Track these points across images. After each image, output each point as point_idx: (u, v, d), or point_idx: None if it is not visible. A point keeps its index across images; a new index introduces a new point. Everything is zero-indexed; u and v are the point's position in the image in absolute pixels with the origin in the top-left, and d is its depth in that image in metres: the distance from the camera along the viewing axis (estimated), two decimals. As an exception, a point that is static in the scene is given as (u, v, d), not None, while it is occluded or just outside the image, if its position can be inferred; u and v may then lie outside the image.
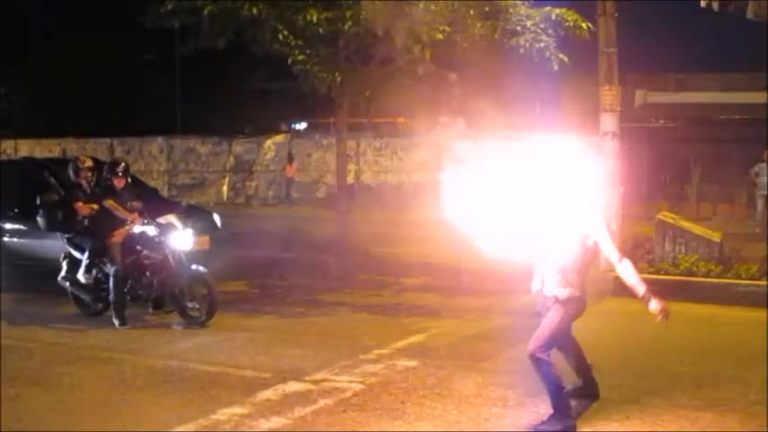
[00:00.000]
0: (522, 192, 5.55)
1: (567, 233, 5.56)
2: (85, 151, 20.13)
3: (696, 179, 21.95)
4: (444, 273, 11.45)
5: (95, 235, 9.12)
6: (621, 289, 5.79)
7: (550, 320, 5.61)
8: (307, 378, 6.81)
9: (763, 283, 10.12)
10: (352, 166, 24.08)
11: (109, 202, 9.06)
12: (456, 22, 11.31)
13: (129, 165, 9.60)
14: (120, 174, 9.23)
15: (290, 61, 12.20)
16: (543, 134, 5.58)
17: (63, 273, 9.35)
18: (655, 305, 5.48)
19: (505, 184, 5.55)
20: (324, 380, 6.80)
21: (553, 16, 11.64)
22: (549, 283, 5.63)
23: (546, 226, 5.61)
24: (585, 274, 5.68)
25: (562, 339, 5.76)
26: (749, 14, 8.88)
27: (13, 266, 10.43)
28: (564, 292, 5.58)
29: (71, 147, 28.33)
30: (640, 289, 5.51)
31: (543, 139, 5.57)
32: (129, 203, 9.18)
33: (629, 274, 5.54)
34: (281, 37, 11.87)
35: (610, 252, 5.60)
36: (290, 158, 27.35)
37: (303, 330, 8.84)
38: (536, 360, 5.53)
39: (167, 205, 11.41)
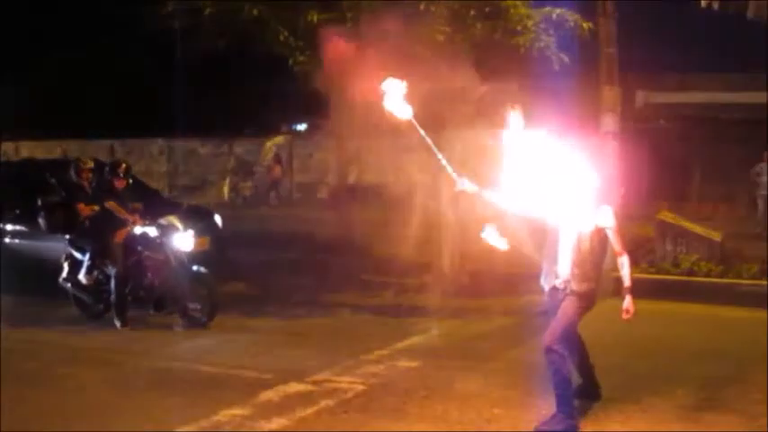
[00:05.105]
0: (540, 184, 5.60)
1: (583, 225, 5.60)
2: (86, 153, 20.13)
3: (697, 179, 21.94)
4: (445, 273, 11.44)
5: (96, 236, 9.12)
6: (621, 289, 5.81)
7: (565, 313, 5.64)
8: (308, 379, 6.81)
9: (764, 282, 10.12)
10: (353, 167, 24.03)
11: (110, 204, 9.06)
12: (456, 22, 11.30)
13: (130, 166, 9.60)
14: (122, 175, 9.23)
15: (290, 62, 12.20)
16: (548, 133, 5.61)
17: (64, 274, 9.35)
18: (626, 303, 5.72)
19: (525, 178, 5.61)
20: (325, 380, 6.80)
21: (554, 16, 11.63)
22: (566, 278, 5.65)
23: (562, 219, 5.66)
24: (601, 266, 5.73)
25: (573, 334, 5.78)
26: (749, 14, 8.88)
27: (14, 268, 10.42)
28: (583, 286, 5.63)
29: (72, 148, 28.29)
30: (625, 282, 5.75)
31: (549, 137, 5.60)
32: (130, 205, 9.19)
33: (623, 266, 5.78)
34: (281, 38, 11.87)
35: (615, 242, 5.72)
36: (277, 159, 27.42)
37: (304, 331, 8.84)
38: (552, 353, 5.54)
39: (168, 206, 11.41)
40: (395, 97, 5.80)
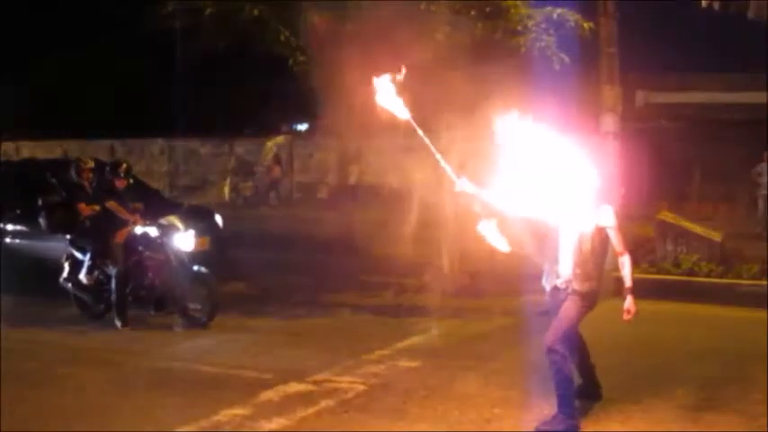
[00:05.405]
0: (540, 185, 5.61)
1: (584, 225, 5.60)
2: (87, 153, 20.16)
3: (697, 179, 21.94)
4: (445, 273, 11.45)
5: (97, 236, 9.12)
6: (623, 289, 5.82)
7: (567, 313, 5.64)
8: (308, 379, 6.81)
9: (764, 283, 10.12)
10: (353, 167, 24.04)
11: (111, 204, 9.06)
12: (457, 22, 11.30)
13: (130, 166, 9.60)
14: (122, 175, 9.23)
15: (290, 62, 12.21)
16: (548, 133, 5.61)
17: (65, 274, 9.35)
18: (627, 303, 5.73)
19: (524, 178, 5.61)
20: (325, 380, 6.80)
21: (554, 16, 11.63)
22: (568, 278, 5.65)
23: (562, 219, 5.67)
24: (603, 266, 5.73)
25: (574, 334, 5.79)
26: (750, 14, 8.88)
27: (14, 268, 10.42)
28: (585, 286, 5.63)
29: (72, 148, 28.30)
30: (627, 283, 5.75)
31: (550, 137, 5.60)
32: (130, 204, 9.19)
33: (624, 266, 5.77)
34: (281, 38, 11.88)
35: (616, 242, 5.73)
36: (277, 160, 27.45)
37: (304, 331, 8.84)
38: (553, 353, 5.53)
39: (169, 206, 11.42)
40: (392, 96, 5.80)
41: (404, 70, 5.85)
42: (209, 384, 6.79)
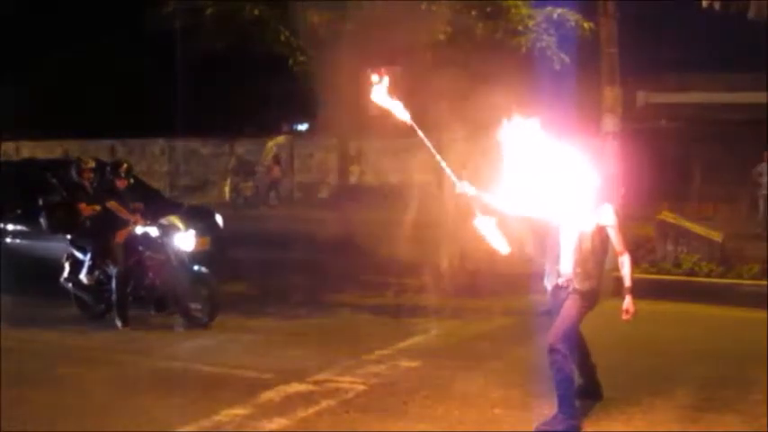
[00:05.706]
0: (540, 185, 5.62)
1: (585, 224, 5.60)
2: (87, 153, 20.14)
3: (697, 179, 21.94)
4: (445, 273, 11.45)
5: (98, 236, 9.11)
6: (622, 289, 5.82)
7: (568, 312, 5.64)
8: (309, 379, 6.81)
9: (764, 283, 10.12)
10: (354, 167, 24.06)
11: (111, 203, 9.06)
12: (458, 22, 11.32)
13: (131, 166, 9.59)
14: (123, 175, 9.23)
15: (290, 62, 12.21)
16: (548, 133, 5.62)
17: (65, 274, 9.35)
18: (626, 303, 5.74)
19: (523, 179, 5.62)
20: (326, 380, 6.80)
21: (555, 16, 11.65)
22: (569, 277, 5.65)
23: (563, 219, 5.67)
24: (603, 265, 5.74)
25: (575, 333, 5.79)
26: (750, 15, 8.90)
27: (14, 268, 10.42)
28: (585, 285, 5.63)
29: (72, 148, 28.31)
30: (626, 282, 5.76)
31: (549, 137, 5.61)
32: (131, 204, 9.18)
33: (624, 266, 5.78)
34: (282, 38, 11.89)
35: (616, 241, 5.74)
36: (277, 160, 27.47)
37: (305, 331, 8.84)
38: (555, 352, 5.53)
39: (169, 206, 11.41)
40: (392, 96, 5.81)
41: (403, 71, 5.86)
42: (210, 384, 6.79)
